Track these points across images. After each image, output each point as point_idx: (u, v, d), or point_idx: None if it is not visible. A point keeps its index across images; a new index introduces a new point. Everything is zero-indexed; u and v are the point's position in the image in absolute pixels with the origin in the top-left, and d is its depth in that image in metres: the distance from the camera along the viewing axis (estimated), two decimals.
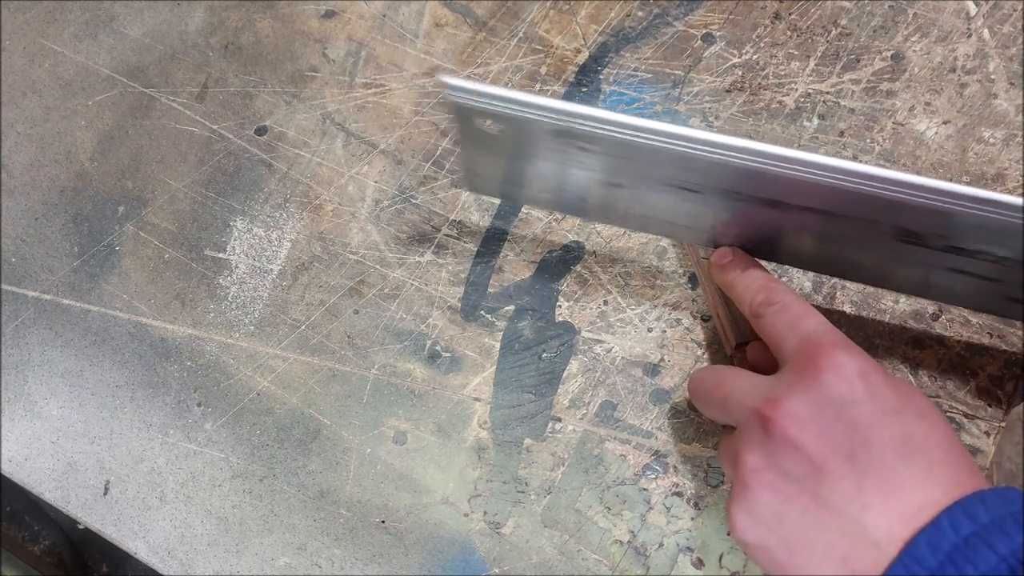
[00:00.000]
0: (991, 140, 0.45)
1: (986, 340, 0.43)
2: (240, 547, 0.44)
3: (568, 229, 0.47)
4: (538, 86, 0.49)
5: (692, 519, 0.42)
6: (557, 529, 0.42)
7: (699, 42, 0.49)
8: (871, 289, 0.44)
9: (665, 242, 0.46)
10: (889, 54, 0.47)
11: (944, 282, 0.38)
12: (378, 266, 0.47)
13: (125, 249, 0.49)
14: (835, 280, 0.44)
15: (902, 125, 0.46)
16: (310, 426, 0.45)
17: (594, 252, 0.46)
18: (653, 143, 0.34)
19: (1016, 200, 0.31)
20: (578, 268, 0.46)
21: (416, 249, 0.47)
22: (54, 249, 0.49)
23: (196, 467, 0.45)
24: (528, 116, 0.34)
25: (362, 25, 0.52)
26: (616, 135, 0.34)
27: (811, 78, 0.48)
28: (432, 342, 0.46)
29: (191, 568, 0.44)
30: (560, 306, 0.45)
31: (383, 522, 0.44)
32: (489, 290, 0.46)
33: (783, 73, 0.48)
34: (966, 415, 0.42)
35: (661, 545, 0.42)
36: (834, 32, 0.48)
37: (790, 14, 0.49)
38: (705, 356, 0.44)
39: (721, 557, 0.41)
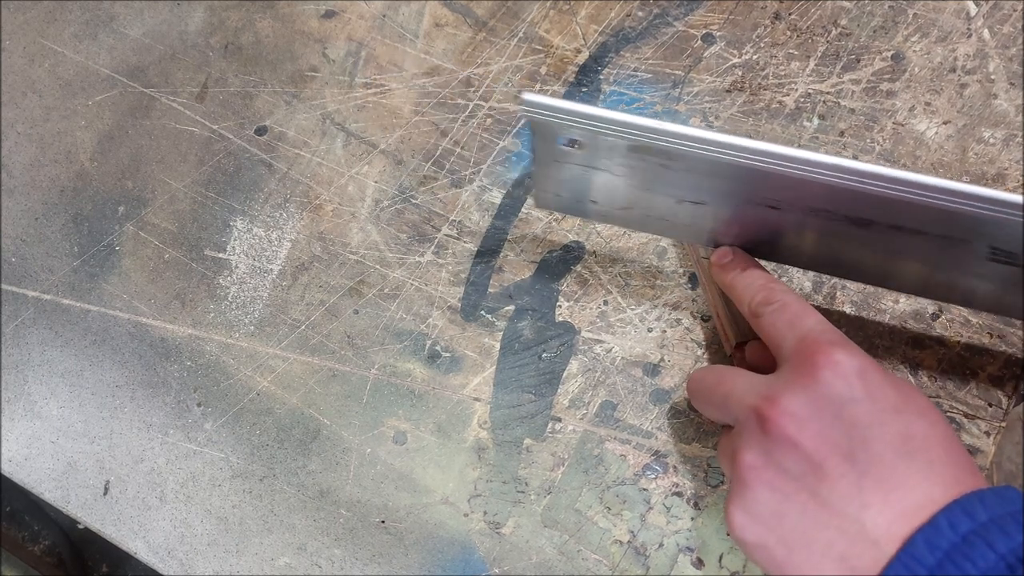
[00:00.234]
0: (991, 140, 0.45)
1: (986, 340, 0.43)
2: (240, 547, 0.44)
3: (568, 229, 0.47)
4: (538, 86, 0.49)
5: (692, 519, 0.42)
6: (557, 529, 0.42)
7: (699, 42, 0.49)
8: (871, 289, 0.44)
9: (665, 242, 0.46)
10: (889, 54, 0.47)
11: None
12: (378, 266, 0.47)
13: (125, 249, 0.49)
14: (835, 280, 0.44)
15: (902, 125, 0.46)
16: (310, 426, 0.45)
17: (594, 252, 0.46)
18: (744, 161, 0.33)
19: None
20: (578, 268, 0.46)
21: (416, 249, 0.47)
22: (54, 249, 0.49)
23: (196, 467, 0.45)
24: (606, 131, 0.34)
25: (362, 25, 0.52)
26: (701, 152, 0.33)
27: (811, 78, 0.48)
28: (432, 342, 0.46)
29: (191, 568, 0.44)
30: (560, 306, 0.45)
31: (383, 522, 0.44)
32: (489, 290, 0.46)
33: (783, 73, 0.48)
34: (966, 415, 0.42)
35: (661, 545, 0.42)
36: (834, 32, 0.48)
37: (790, 14, 0.49)
38: (705, 356, 0.44)
39: (721, 557, 0.41)
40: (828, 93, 0.47)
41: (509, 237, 0.47)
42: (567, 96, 0.49)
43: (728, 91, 0.48)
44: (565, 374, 0.44)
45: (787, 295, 0.36)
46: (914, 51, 0.47)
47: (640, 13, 0.50)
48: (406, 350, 0.46)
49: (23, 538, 0.67)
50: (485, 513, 0.43)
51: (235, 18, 0.53)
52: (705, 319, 0.45)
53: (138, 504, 0.45)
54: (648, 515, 0.42)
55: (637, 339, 0.45)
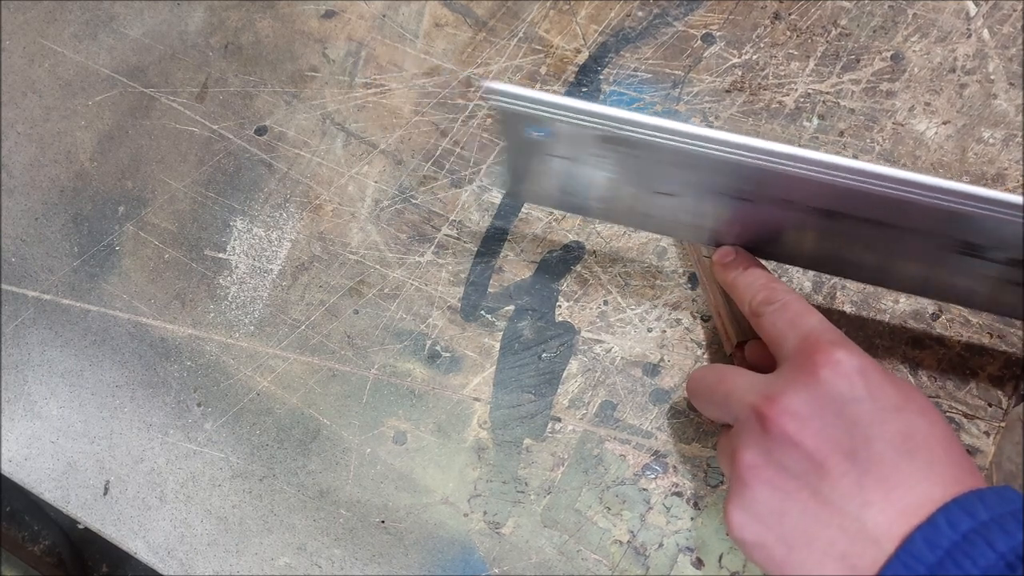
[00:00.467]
0: (991, 140, 0.45)
1: (986, 340, 0.43)
2: (240, 547, 0.44)
3: (568, 229, 0.47)
4: (538, 86, 0.49)
5: (692, 519, 0.42)
6: (557, 529, 0.42)
7: (699, 42, 0.49)
8: (871, 289, 0.44)
9: (665, 242, 0.46)
10: (889, 54, 0.47)
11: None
12: (378, 266, 0.47)
13: (125, 249, 0.49)
14: (835, 280, 0.44)
15: (902, 125, 0.46)
16: (310, 426, 0.45)
17: (594, 252, 0.46)
18: (712, 152, 0.33)
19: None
20: (578, 268, 0.46)
21: (416, 249, 0.47)
22: (54, 249, 0.49)
23: (196, 467, 0.45)
24: (578, 122, 0.34)
25: (362, 25, 0.52)
26: (670, 143, 0.33)
27: (811, 78, 0.48)
28: (432, 342, 0.46)
29: (191, 568, 0.44)
30: (560, 306, 0.45)
31: (383, 522, 0.43)
32: (489, 290, 0.46)
33: (783, 73, 0.48)
34: (966, 415, 0.42)
35: (661, 545, 0.42)
36: (834, 32, 0.48)
37: (790, 14, 0.49)
38: (705, 356, 0.44)
39: (721, 557, 0.41)
40: (828, 93, 0.47)
41: (509, 237, 0.47)
42: (568, 96, 0.49)
43: (728, 91, 0.48)
44: (565, 374, 0.44)
45: (788, 295, 0.36)
46: (914, 51, 0.47)
47: (640, 13, 0.50)
48: (406, 350, 0.46)
49: (23, 538, 0.67)
50: (485, 513, 0.43)
51: (235, 18, 0.53)
52: (705, 319, 0.45)
53: (138, 504, 0.45)
54: (648, 515, 0.42)
55: (637, 339, 0.45)
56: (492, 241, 0.47)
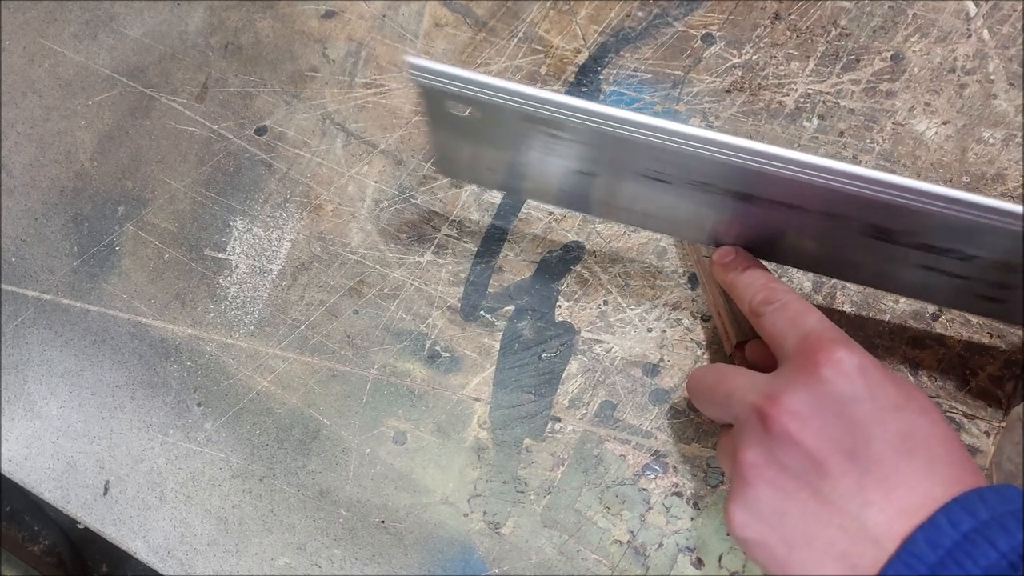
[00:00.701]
0: (991, 140, 0.45)
1: (986, 340, 0.43)
2: (240, 547, 0.44)
3: (568, 229, 0.47)
4: (538, 86, 0.49)
5: (692, 519, 0.42)
6: (557, 529, 0.42)
7: (699, 42, 0.49)
8: (871, 289, 0.44)
9: (665, 242, 0.46)
10: (889, 54, 0.47)
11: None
12: (378, 266, 0.47)
13: (125, 249, 0.49)
14: (835, 280, 0.44)
15: (902, 125, 0.46)
16: (310, 426, 0.45)
17: (594, 252, 0.46)
18: (622, 132, 0.34)
19: (1002, 204, 0.31)
20: (578, 268, 0.46)
21: (416, 249, 0.47)
22: (54, 249, 0.49)
23: (196, 467, 0.45)
24: (496, 100, 0.34)
25: (362, 25, 0.52)
26: (583, 123, 0.34)
27: (811, 78, 0.48)
28: (432, 342, 0.46)
29: (191, 568, 0.44)
30: (560, 306, 0.45)
31: (383, 522, 0.43)
32: (489, 290, 0.46)
33: (783, 73, 0.48)
34: (966, 415, 0.42)
35: (661, 545, 0.42)
36: (834, 32, 0.48)
37: (790, 14, 0.49)
38: (705, 356, 0.44)
39: (721, 557, 0.41)
40: (828, 93, 0.47)
41: (509, 237, 0.47)
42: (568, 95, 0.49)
43: (728, 91, 0.48)
44: (565, 374, 0.44)
45: (788, 294, 0.36)
46: (914, 51, 0.47)
47: (640, 13, 0.50)
48: (406, 350, 0.46)
49: (23, 538, 0.67)
50: (485, 513, 0.43)
51: (235, 18, 0.53)
52: (705, 319, 0.45)
53: (138, 504, 0.45)
54: (648, 515, 0.42)
55: (637, 339, 0.45)
56: (492, 241, 0.47)
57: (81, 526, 0.45)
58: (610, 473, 0.43)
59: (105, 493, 0.45)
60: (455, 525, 0.43)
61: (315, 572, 0.43)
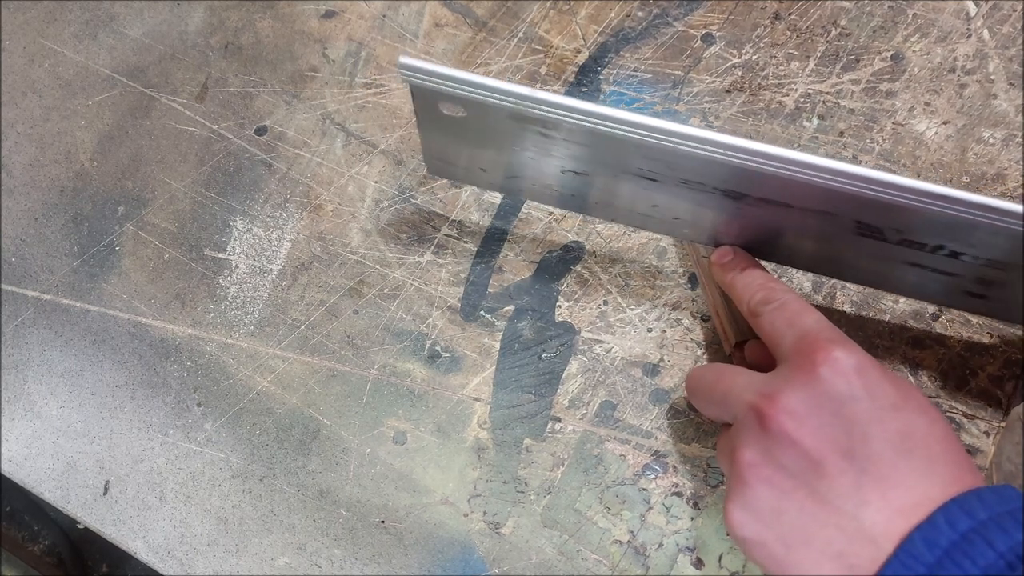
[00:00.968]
0: (991, 140, 0.45)
1: (986, 340, 0.43)
2: (240, 547, 0.44)
3: (568, 229, 0.47)
4: (538, 86, 0.49)
5: (692, 519, 0.42)
6: (557, 529, 0.42)
7: (699, 42, 0.49)
8: (871, 289, 0.44)
9: (665, 242, 0.46)
10: (889, 54, 0.47)
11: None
12: (378, 266, 0.47)
13: (125, 249, 0.49)
14: (835, 280, 0.44)
15: (902, 125, 0.46)
16: (310, 426, 0.45)
17: (594, 252, 0.46)
18: (611, 130, 0.34)
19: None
20: (578, 268, 0.46)
21: (416, 249, 0.47)
22: (54, 249, 0.49)
23: (196, 467, 0.45)
24: (486, 100, 0.34)
25: (362, 25, 0.52)
26: (573, 121, 0.34)
27: (811, 78, 0.48)
28: (432, 342, 0.46)
29: (191, 568, 0.44)
30: (560, 306, 0.45)
31: (383, 522, 0.43)
32: (489, 290, 0.46)
33: (783, 73, 0.48)
34: (966, 415, 0.42)
35: (661, 545, 0.42)
36: (834, 32, 0.48)
37: (790, 14, 0.49)
38: (705, 356, 0.44)
39: (721, 557, 0.41)
40: (828, 93, 0.47)
41: (509, 237, 0.47)
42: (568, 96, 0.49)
43: (728, 91, 0.48)
44: (565, 374, 0.44)
45: (786, 294, 0.36)
46: (913, 51, 0.47)
47: (640, 13, 0.50)
48: (406, 350, 0.46)
49: (23, 538, 0.67)
50: (485, 513, 0.43)
51: (235, 18, 0.53)
52: (705, 319, 0.45)
53: (138, 504, 0.45)
54: (648, 515, 0.42)
55: (637, 339, 0.45)
56: (492, 241, 0.47)
57: (81, 526, 0.46)
58: (610, 473, 0.43)
59: (105, 493, 0.45)
60: (455, 525, 0.43)
61: (315, 572, 0.43)
